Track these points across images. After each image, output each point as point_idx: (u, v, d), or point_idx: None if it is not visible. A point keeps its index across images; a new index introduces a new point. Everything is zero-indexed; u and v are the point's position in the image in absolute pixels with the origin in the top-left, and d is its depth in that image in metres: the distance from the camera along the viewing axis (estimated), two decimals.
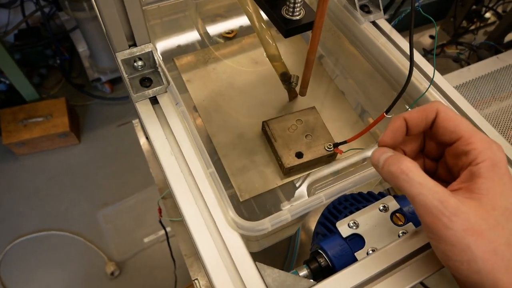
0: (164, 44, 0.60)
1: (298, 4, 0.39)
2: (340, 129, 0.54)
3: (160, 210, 0.80)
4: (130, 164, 1.77)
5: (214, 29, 0.62)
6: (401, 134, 0.32)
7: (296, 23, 0.40)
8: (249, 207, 0.47)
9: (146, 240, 1.55)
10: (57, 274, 1.48)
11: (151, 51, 0.43)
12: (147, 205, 1.65)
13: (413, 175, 0.28)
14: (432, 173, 0.36)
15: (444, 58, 1.07)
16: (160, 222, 0.82)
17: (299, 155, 0.48)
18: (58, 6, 1.79)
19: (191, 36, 0.61)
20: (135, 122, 0.88)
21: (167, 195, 0.77)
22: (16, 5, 1.76)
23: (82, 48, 1.92)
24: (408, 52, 0.51)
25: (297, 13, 0.40)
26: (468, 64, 1.01)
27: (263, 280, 0.32)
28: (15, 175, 1.73)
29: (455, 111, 0.47)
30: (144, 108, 0.43)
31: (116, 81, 2.02)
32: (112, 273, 1.44)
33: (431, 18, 0.42)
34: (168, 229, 0.94)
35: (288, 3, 0.40)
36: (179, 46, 0.60)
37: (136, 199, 1.67)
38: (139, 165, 1.76)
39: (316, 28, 0.36)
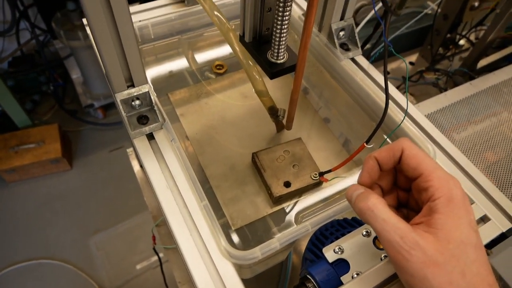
0: (157, 79, 0.64)
1: (282, 49, 0.43)
2: (325, 158, 0.57)
3: (154, 238, 0.82)
4: (122, 190, 1.78)
5: (205, 64, 0.66)
6: (375, 173, 0.36)
7: (280, 66, 0.44)
8: (241, 235, 0.50)
9: (138, 266, 1.55)
10: None
11: (148, 91, 0.47)
12: (140, 231, 1.66)
13: (378, 212, 0.32)
14: (404, 203, 0.39)
15: (424, 84, 1.12)
16: (154, 249, 0.84)
17: (287, 184, 0.52)
18: (52, 35, 1.83)
19: (183, 72, 0.65)
20: (129, 150, 0.91)
21: (161, 223, 0.80)
22: (11, 34, 1.79)
23: (75, 75, 1.96)
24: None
25: (281, 57, 0.44)
26: (445, 89, 1.07)
27: None
28: (5, 202, 1.73)
29: (428, 141, 0.51)
30: (141, 144, 0.46)
31: (109, 107, 2.05)
32: None
33: (401, 56, 0.47)
34: (161, 255, 0.96)
35: (272, 48, 0.44)
36: (172, 81, 0.63)
37: (128, 225, 1.68)
38: (131, 191, 1.77)
39: (298, 71, 0.40)
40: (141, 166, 0.87)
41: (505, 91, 0.89)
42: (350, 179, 0.53)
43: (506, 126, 0.83)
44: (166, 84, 0.64)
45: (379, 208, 0.32)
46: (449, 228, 0.30)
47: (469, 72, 1.05)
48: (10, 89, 1.65)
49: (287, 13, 0.39)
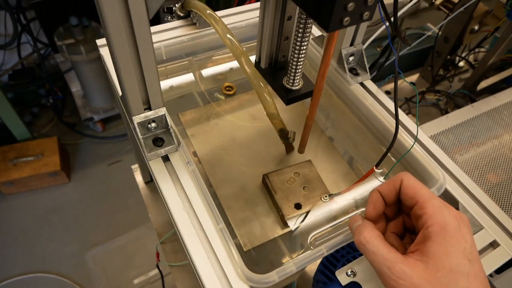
0: (168, 100, 0.65)
1: (298, 76, 0.45)
2: (334, 180, 0.58)
3: (158, 255, 0.82)
4: (120, 203, 1.78)
5: (214, 85, 0.67)
6: (380, 205, 0.39)
7: (296, 92, 0.45)
8: (252, 256, 0.50)
9: (136, 281, 1.53)
10: None
11: (164, 114, 0.47)
12: (138, 245, 1.65)
13: (369, 246, 0.34)
14: (411, 229, 0.40)
15: (425, 105, 1.15)
16: (157, 266, 0.84)
17: (298, 206, 0.52)
18: (54, 48, 1.84)
19: (193, 93, 0.66)
20: (134, 167, 0.91)
21: (166, 240, 0.80)
22: (13, 47, 1.80)
23: (75, 88, 1.97)
24: (393, 110, 0.57)
25: (297, 84, 0.46)
26: (446, 110, 1.09)
27: None
28: (2, 215, 1.71)
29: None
30: (157, 166, 0.47)
31: (108, 120, 2.06)
32: None
33: (411, 84, 0.48)
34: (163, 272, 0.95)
35: (288, 74, 0.45)
36: (182, 102, 0.64)
37: (126, 239, 1.67)
38: (130, 204, 1.76)
39: (315, 99, 0.41)
40: (146, 183, 0.88)
41: (506, 113, 0.91)
42: (356, 200, 0.54)
43: (507, 148, 0.85)
44: (176, 104, 0.65)
45: (370, 242, 0.35)
46: (439, 256, 0.31)
47: (470, 94, 1.07)
48: (10, 102, 1.66)
49: (305, 43, 0.40)
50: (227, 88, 0.66)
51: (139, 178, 0.90)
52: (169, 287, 1.00)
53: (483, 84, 1.15)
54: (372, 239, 0.35)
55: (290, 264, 0.39)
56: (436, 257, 0.32)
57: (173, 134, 0.48)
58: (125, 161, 1.94)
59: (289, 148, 0.60)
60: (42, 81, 1.94)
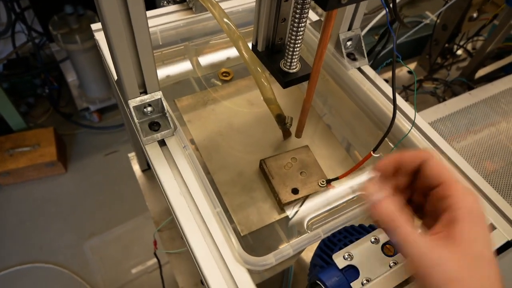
0: (164, 85, 0.64)
1: (296, 59, 0.44)
2: (331, 165, 0.58)
3: (155, 243, 0.82)
4: (117, 194, 1.77)
5: (211, 71, 0.67)
6: (396, 164, 0.37)
7: (293, 75, 0.45)
8: (249, 241, 0.50)
9: (134, 271, 1.54)
10: None
11: (160, 98, 0.47)
12: (135, 235, 1.65)
13: (400, 225, 0.32)
14: (418, 206, 0.40)
15: (422, 93, 1.14)
16: (155, 254, 0.84)
17: (295, 191, 0.52)
18: (49, 38, 1.82)
19: (190, 78, 0.66)
20: (131, 155, 0.91)
21: (163, 228, 0.80)
22: (7, 36, 1.78)
23: (71, 78, 1.95)
24: (391, 96, 0.57)
25: (294, 67, 0.45)
26: (444, 98, 1.08)
27: None
28: None
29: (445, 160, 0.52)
30: (153, 150, 0.47)
31: (105, 110, 2.04)
32: None
33: (409, 68, 0.48)
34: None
35: (286, 57, 0.45)
36: (178, 87, 0.64)
37: (123, 229, 1.67)
38: (127, 195, 1.76)
39: (312, 82, 0.41)
40: (143, 171, 0.88)
41: (503, 101, 0.91)
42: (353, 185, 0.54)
43: (504, 136, 0.85)
44: (173, 90, 0.64)
45: (400, 220, 0.32)
46: (469, 239, 0.31)
47: (468, 82, 1.07)
48: (5, 92, 1.64)
49: (302, 24, 0.40)
50: (224, 74, 0.66)
51: (136, 166, 0.90)
52: (167, 275, 1.00)
53: (481, 72, 1.14)
54: (402, 217, 0.32)
55: (287, 247, 0.39)
56: (466, 240, 0.31)
57: (169, 118, 0.47)
58: (121, 152, 1.93)
59: (286, 134, 0.59)
60: (37, 70, 1.92)
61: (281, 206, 0.52)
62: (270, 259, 0.38)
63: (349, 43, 0.58)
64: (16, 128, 1.80)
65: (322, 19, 0.63)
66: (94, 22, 0.60)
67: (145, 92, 0.46)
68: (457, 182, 0.34)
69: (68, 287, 1.50)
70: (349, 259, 0.43)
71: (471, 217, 0.32)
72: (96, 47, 0.60)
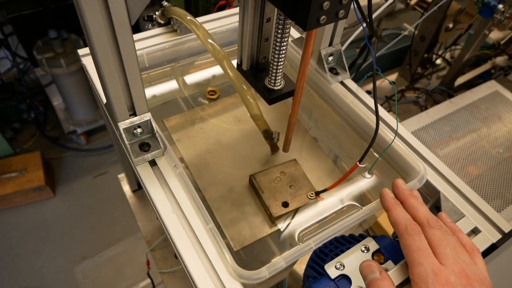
0: (152, 106, 0.65)
1: (279, 76, 0.46)
2: (319, 177, 0.59)
3: (148, 263, 0.82)
4: (108, 216, 1.76)
5: (198, 90, 0.68)
6: None
7: (278, 92, 0.47)
8: (242, 256, 0.51)
9: None
10: None
11: (149, 119, 0.48)
12: (127, 256, 1.63)
13: None
14: None
15: (405, 103, 1.17)
16: (148, 274, 0.84)
17: (285, 204, 0.53)
18: (33, 62, 1.82)
19: (177, 98, 0.67)
20: (121, 176, 0.91)
21: (156, 248, 0.79)
22: None
23: (57, 102, 1.94)
24: (373, 107, 0.59)
25: (278, 83, 0.47)
26: (426, 107, 1.12)
27: None
28: None
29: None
30: (144, 171, 0.47)
31: (92, 133, 2.04)
32: None
33: (390, 81, 0.50)
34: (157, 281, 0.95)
35: (270, 75, 0.46)
36: (166, 108, 0.65)
37: (115, 251, 1.65)
38: (117, 216, 1.74)
39: (296, 97, 0.42)
40: (134, 191, 0.88)
41: (483, 107, 0.94)
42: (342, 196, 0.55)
43: (486, 141, 0.87)
44: (161, 110, 0.65)
45: None
46: None
47: (448, 90, 1.10)
48: None
49: (284, 43, 0.41)
50: (211, 93, 0.67)
51: (126, 187, 0.90)
52: None
53: (460, 80, 1.18)
54: None
55: (279, 260, 0.40)
56: None
57: (159, 139, 0.48)
58: (110, 173, 1.92)
59: (274, 148, 0.61)
60: (23, 96, 1.92)
61: (272, 220, 0.53)
62: (264, 272, 0.38)
63: (330, 58, 0.60)
64: (2, 154, 1.78)
65: (303, 36, 0.65)
66: (79, 45, 0.62)
67: (134, 114, 0.47)
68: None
69: None
70: (341, 268, 0.44)
71: None
72: (81, 70, 0.61)
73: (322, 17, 0.32)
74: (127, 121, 0.47)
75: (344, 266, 0.44)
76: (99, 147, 2.00)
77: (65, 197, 1.83)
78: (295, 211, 0.54)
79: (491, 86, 1.01)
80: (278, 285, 0.71)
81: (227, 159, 0.60)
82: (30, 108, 1.96)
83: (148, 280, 0.94)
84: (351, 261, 0.45)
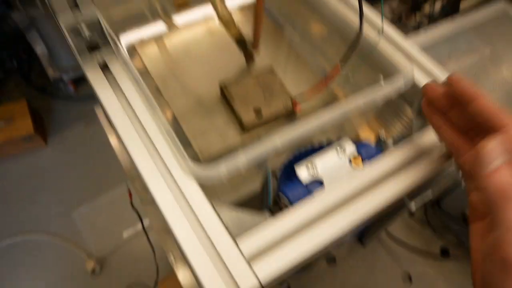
0: (114, 15, 0.59)
1: None
2: (299, 88, 0.54)
3: (130, 194, 0.80)
4: (102, 162, 1.73)
5: None
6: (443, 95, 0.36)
7: None
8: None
9: (125, 234, 1.53)
10: (36, 278, 1.44)
11: (96, 15, 0.42)
12: (124, 200, 1.62)
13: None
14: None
15: (405, 30, 1.10)
16: (132, 204, 0.82)
17: (258, 111, 0.49)
18: (8, 5, 1.72)
19: (142, 7, 0.60)
20: (99, 111, 0.86)
21: (136, 177, 0.76)
22: None
23: (40, 49, 1.86)
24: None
25: None
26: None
27: (221, 220, 0.32)
28: None
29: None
30: (94, 75, 0.42)
31: (80, 81, 1.97)
32: (93, 270, 1.41)
33: None
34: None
35: None
36: (131, 17, 0.59)
37: (111, 195, 1.64)
38: (111, 162, 1.72)
39: None
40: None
41: (489, 28, 0.86)
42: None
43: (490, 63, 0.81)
44: (123, 21, 0.59)
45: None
46: None
47: (453, 13, 1.02)
48: None
49: None
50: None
51: (105, 121, 0.85)
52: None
53: (465, 4, 1.09)
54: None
55: (240, 155, 0.35)
56: None
57: (109, 39, 0.43)
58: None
59: (249, 59, 0.55)
60: (3, 43, 1.83)
61: (244, 129, 0.48)
62: (221, 168, 0.34)
63: None
64: None
65: None
66: None
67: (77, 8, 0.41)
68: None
69: (61, 255, 1.49)
70: (312, 169, 0.40)
71: None
72: None
73: None
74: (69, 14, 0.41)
75: (315, 168, 0.40)
76: (88, 95, 1.94)
77: (57, 146, 1.80)
78: (269, 120, 0.49)
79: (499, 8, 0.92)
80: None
81: (198, 71, 0.54)
82: (13, 56, 1.89)
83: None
84: (324, 164, 0.41)
